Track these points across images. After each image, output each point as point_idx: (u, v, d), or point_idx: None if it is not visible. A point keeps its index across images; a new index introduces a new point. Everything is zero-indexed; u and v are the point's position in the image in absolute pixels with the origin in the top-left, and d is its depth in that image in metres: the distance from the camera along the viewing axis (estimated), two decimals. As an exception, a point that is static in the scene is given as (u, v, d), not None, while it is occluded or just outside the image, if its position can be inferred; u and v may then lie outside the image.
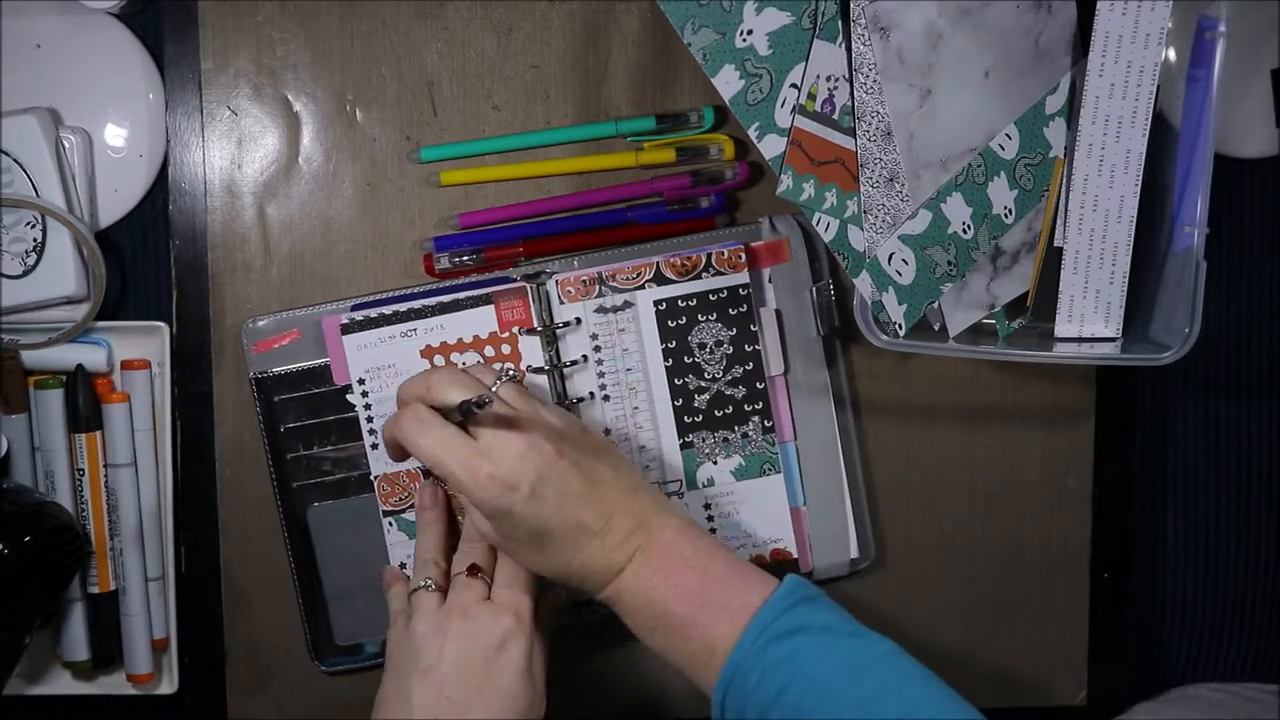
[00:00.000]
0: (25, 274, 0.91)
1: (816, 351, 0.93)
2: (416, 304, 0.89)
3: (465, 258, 0.92)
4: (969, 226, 0.88)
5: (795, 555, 0.93)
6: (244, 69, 0.92)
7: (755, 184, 0.94)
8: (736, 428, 0.92)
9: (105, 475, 0.93)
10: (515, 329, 0.90)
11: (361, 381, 0.90)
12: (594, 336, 0.91)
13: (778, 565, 0.93)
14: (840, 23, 0.84)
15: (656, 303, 0.90)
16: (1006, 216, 0.89)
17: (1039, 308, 0.90)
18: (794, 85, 0.84)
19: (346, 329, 0.89)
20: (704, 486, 0.92)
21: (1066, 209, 0.88)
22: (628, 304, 0.90)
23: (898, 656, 0.77)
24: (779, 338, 0.92)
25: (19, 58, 0.92)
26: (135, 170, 0.93)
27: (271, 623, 0.94)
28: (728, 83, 0.83)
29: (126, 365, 0.93)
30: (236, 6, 0.92)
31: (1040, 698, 0.98)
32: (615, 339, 0.91)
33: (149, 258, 0.94)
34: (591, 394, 0.91)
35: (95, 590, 0.93)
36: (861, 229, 0.86)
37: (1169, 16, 0.84)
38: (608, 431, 0.91)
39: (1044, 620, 0.98)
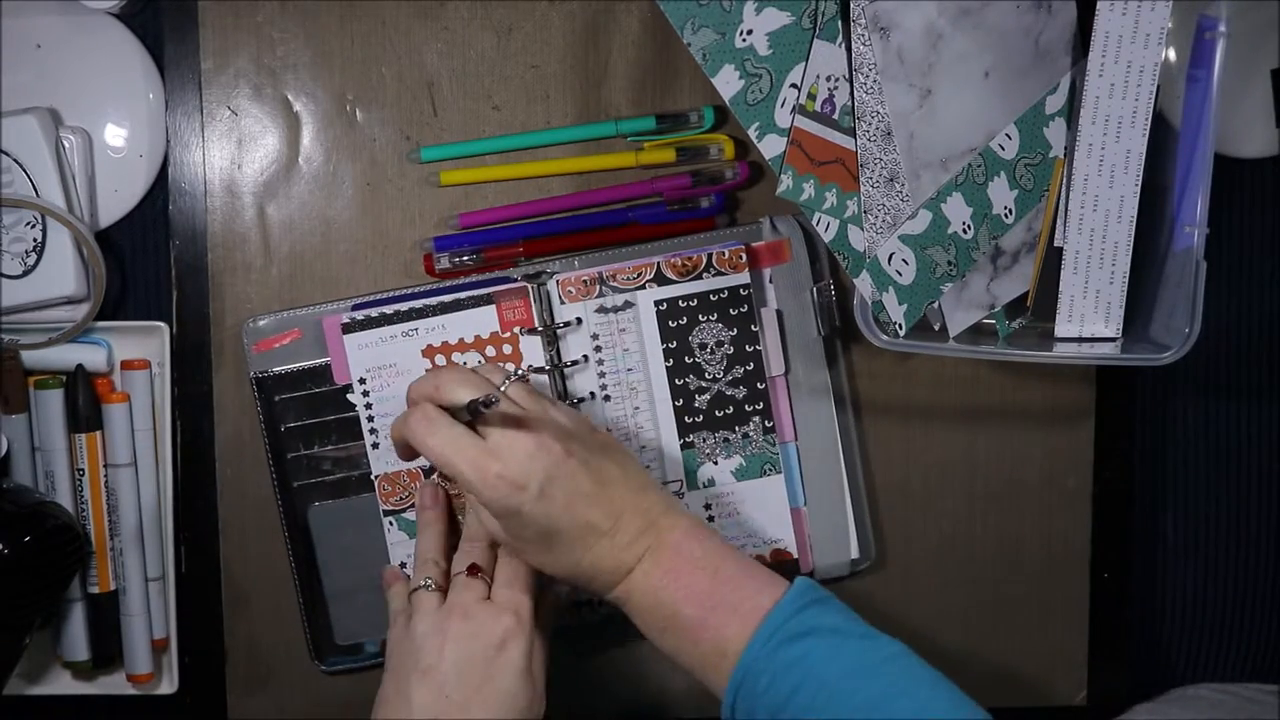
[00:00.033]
0: (25, 274, 0.91)
1: (817, 352, 0.93)
2: (418, 303, 0.89)
3: (465, 258, 0.92)
4: (969, 226, 0.88)
5: (796, 555, 0.93)
6: (244, 69, 0.92)
7: (755, 184, 0.94)
8: (737, 428, 0.92)
9: (105, 475, 0.93)
10: (516, 329, 0.90)
11: (362, 381, 0.90)
12: (595, 336, 0.91)
13: (778, 565, 0.92)
14: (840, 23, 0.84)
15: (657, 303, 0.90)
16: (1006, 216, 0.89)
17: (1039, 308, 0.90)
18: (794, 85, 0.84)
19: (347, 328, 0.89)
20: (705, 486, 0.92)
21: (1066, 209, 0.88)
22: (628, 304, 0.90)
23: (908, 658, 0.77)
24: (780, 338, 0.92)
25: (19, 58, 0.92)
26: (135, 170, 0.93)
27: (271, 623, 0.94)
28: (728, 83, 0.83)
29: (126, 365, 0.92)
30: (236, 6, 0.92)
31: (1040, 698, 0.98)
32: (616, 339, 0.91)
33: (149, 258, 0.94)
34: (592, 394, 0.91)
35: (95, 590, 0.93)
36: (861, 229, 0.86)
37: (1169, 16, 0.84)
38: (608, 431, 0.91)
39: (1044, 620, 0.98)
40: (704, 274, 0.90)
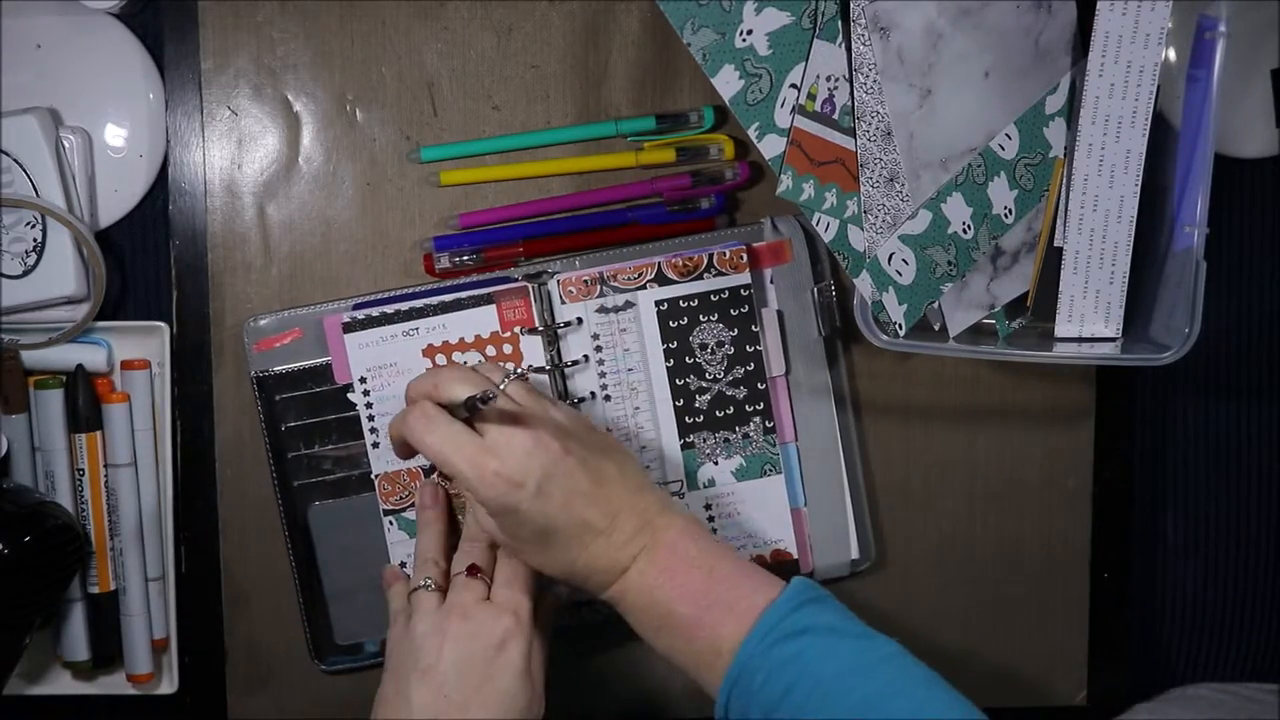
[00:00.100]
0: (25, 274, 0.91)
1: (818, 352, 0.93)
2: (418, 303, 0.89)
3: (465, 258, 0.92)
4: (969, 226, 0.88)
5: (796, 556, 0.93)
6: (244, 69, 0.92)
7: (755, 184, 0.94)
8: (737, 428, 0.92)
9: (105, 475, 0.93)
10: (517, 329, 0.90)
11: (363, 380, 0.90)
12: (595, 336, 0.91)
13: (778, 566, 0.93)
14: (840, 23, 0.84)
15: (658, 303, 0.90)
16: (1006, 216, 0.89)
17: (1039, 308, 0.90)
18: (794, 85, 0.84)
19: (348, 328, 0.89)
20: (705, 487, 0.92)
21: (1066, 209, 0.88)
22: (629, 304, 0.90)
23: (903, 658, 0.77)
24: (780, 338, 0.92)
25: (19, 58, 0.92)
26: (135, 170, 0.93)
27: (271, 622, 0.94)
28: (727, 83, 0.83)
29: (126, 365, 0.92)
30: (236, 6, 0.92)
31: (1040, 698, 0.98)
32: (616, 339, 0.91)
33: (149, 258, 0.94)
34: (593, 394, 0.91)
35: (95, 590, 0.93)
36: (861, 229, 0.86)
37: (1169, 16, 0.84)
38: (608, 431, 0.91)
39: (1044, 620, 0.98)
40: (705, 274, 0.90)
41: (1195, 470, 1.00)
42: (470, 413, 0.78)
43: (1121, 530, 0.98)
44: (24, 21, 0.92)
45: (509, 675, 0.79)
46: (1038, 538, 0.97)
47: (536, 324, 0.90)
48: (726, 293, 0.91)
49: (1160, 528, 1.01)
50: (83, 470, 0.92)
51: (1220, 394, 1.00)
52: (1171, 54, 0.88)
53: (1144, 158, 0.86)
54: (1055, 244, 0.89)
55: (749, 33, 0.83)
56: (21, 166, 0.90)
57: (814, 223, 0.86)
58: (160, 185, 0.93)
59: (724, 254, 0.90)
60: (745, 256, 0.90)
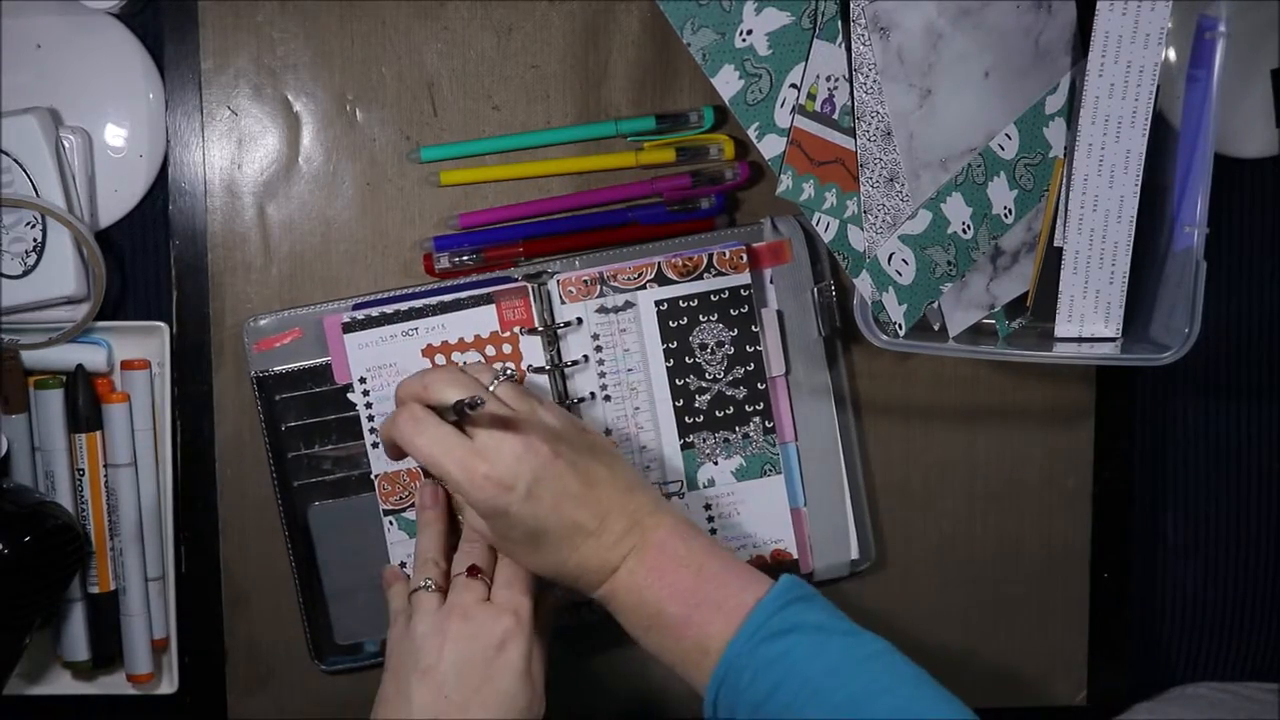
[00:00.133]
0: (25, 274, 0.91)
1: (817, 352, 0.93)
2: (418, 303, 0.89)
3: (465, 258, 0.92)
4: (969, 226, 0.88)
5: (796, 556, 0.93)
6: (244, 69, 0.92)
7: (755, 184, 0.94)
8: (737, 428, 0.92)
9: (105, 475, 0.93)
10: (516, 329, 0.90)
11: (363, 380, 0.90)
12: (595, 336, 0.91)
13: (778, 566, 0.93)
14: (840, 23, 0.84)
15: (658, 303, 0.90)
16: (1006, 216, 0.89)
17: (1039, 308, 0.90)
18: (794, 85, 0.84)
19: (348, 328, 0.89)
20: (705, 487, 0.92)
21: (1066, 209, 0.88)
22: (629, 304, 0.90)
23: (891, 656, 0.77)
24: (780, 338, 0.92)
25: (19, 58, 0.92)
26: (135, 170, 0.93)
27: (271, 622, 0.94)
28: (727, 83, 0.83)
29: (126, 365, 0.92)
30: (236, 6, 0.92)
31: (1040, 698, 0.98)
32: (616, 339, 0.91)
33: (149, 258, 0.94)
34: (592, 394, 0.91)
35: (95, 590, 0.93)
36: (861, 229, 0.86)
37: (1169, 16, 0.84)
38: (608, 432, 0.91)
39: (1044, 620, 0.98)
40: (705, 274, 0.90)
41: (1195, 470, 1.00)
42: (459, 417, 0.78)
43: (1121, 530, 0.98)
44: (24, 21, 0.92)
45: (509, 676, 0.79)
46: (1038, 538, 0.97)
47: (536, 324, 0.90)
48: (726, 293, 0.91)
49: (1160, 528, 1.01)
50: (83, 470, 0.92)
51: (1220, 394, 1.00)
52: (1171, 54, 0.88)
53: (1144, 158, 0.86)
54: (1055, 244, 0.89)
55: (749, 33, 0.83)
56: (21, 166, 0.90)
57: (814, 223, 0.86)
58: (160, 185, 0.93)
59: (724, 254, 0.90)
60: (745, 256, 0.90)
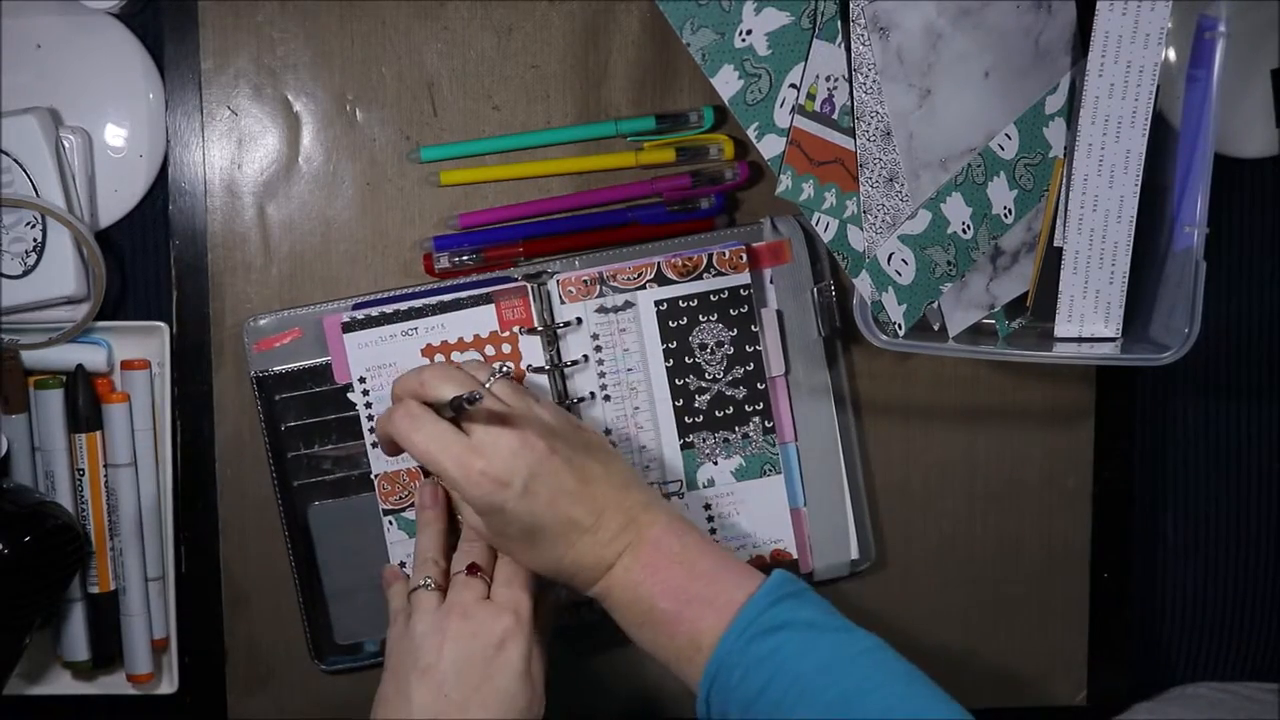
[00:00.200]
0: (25, 274, 0.91)
1: (817, 352, 0.93)
2: (417, 303, 0.89)
3: (465, 257, 0.92)
4: (969, 226, 0.88)
5: (795, 556, 0.93)
6: (244, 69, 0.92)
7: (755, 184, 0.94)
8: (737, 428, 0.92)
9: (105, 475, 0.93)
10: (516, 328, 0.90)
11: (362, 380, 0.90)
12: (595, 336, 0.91)
13: (778, 566, 0.92)
14: (840, 23, 0.84)
15: (657, 303, 0.90)
16: (1006, 216, 0.89)
17: (1039, 308, 0.90)
18: (793, 85, 0.84)
19: (348, 327, 0.89)
20: (704, 487, 0.92)
21: (1066, 209, 0.88)
22: (629, 304, 0.90)
23: (882, 652, 0.77)
24: (780, 338, 0.92)
25: (19, 58, 0.92)
26: (135, 170, 0.93)
27: (271, 622, 0.94)
28: (727, 83, 0.83)
29: (126, 365, 0.93)
30: (236, 6, 0.92)
31: (1040, 698, 0.98)
32: (616, 339, 0.91)
33: (149, 258, 0.94)
34: (592, 394, 0.91)
35: (95, 590, 0.93)
36: (861, 229, 0.86)
37: (1169, 16, 0.84)
38: (608, 432, 0.91)
39: (1044, 620, 0.98)
40: (704, 274, 0.90)
41: (1195, 470, 1.00)
42: (456, 413, 0.78)
43: (1121, 530, 0.98)
44: (24, 21, 0.92)
45: (509, 674, 0.79)
46: (1038, 538, 0.97)
47: (536, 324, 0.90)
48: (726, 293, 0.91)
49: (1160, 528, 1.01)
50: (83, 470, 0.92)
51: (1220, 394, 1.00)
52: (1171, 54, 0.88)
53: (1144, 158, 0.86)
54: (1055, 244, 0.89)
55: (748, 33, 0.83)
56: (21, 166, 0.90)
57: (813, 223, 0.86)
58: (160, 185, 0.93)
59: (724, 254, 0.90)
60: (745, 256, 0.90)
